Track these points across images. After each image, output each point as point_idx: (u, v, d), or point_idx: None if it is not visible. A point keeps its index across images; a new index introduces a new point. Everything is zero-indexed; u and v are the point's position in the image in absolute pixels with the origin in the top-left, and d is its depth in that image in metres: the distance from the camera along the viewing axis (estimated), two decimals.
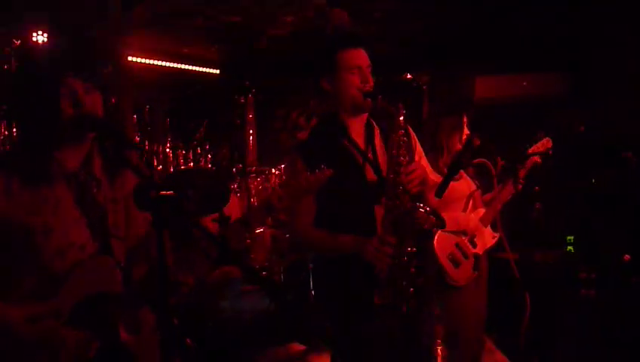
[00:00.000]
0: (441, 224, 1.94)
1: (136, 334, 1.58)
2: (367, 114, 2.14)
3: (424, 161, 2.19)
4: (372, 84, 2.07)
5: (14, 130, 3.58)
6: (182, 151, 6.08)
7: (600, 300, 3.45)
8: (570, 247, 4.29)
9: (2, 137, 3.62)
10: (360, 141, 2.10)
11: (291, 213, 2.11)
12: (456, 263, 2.88)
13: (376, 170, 2.05)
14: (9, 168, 1.50)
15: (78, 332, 1.46)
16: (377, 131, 2.15)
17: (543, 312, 3.41)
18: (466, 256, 2.92)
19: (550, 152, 3.18)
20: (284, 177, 4.84)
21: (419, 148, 2.24)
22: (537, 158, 3.14)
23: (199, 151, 6.19)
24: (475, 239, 2.96)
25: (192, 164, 6.07)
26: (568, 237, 4.31)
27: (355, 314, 2.00)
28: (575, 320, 3.51)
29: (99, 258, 1.53)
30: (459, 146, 2.97)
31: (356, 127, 2.12)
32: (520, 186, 3.02)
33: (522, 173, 3.07)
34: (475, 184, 3.11)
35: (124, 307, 1.54)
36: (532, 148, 3.15)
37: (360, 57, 2.08)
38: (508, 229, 2.97)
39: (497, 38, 4.83)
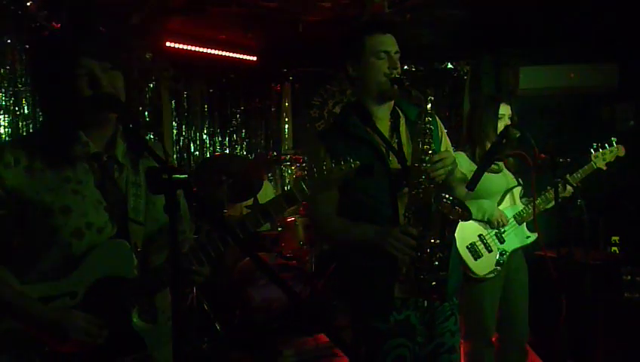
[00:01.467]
0: (467, 215, 1.84)
1: (152, 322, 1.57)
2: (393, 101, 2.07)
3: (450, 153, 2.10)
4: (400, 70, 1.99)
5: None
6: (218, 138, 6.14)
7: None
8: (614, 248, 4.09)
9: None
10: (385, 129, 2.03)
11: (313, 201, 2.06)
12: (476, 255, 2.78)
13: (401, 159, 1.98)
14: (33, 147, 1.52)
15: (89, 316, 1.46)
16: (403, 120, 2.07)
17: (582, 315, 3.26)
18: (489, 250, 2.81)
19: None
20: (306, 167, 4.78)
21: (445, 139, 2.15)
22: (602, 165, 2.96)
23: (235, 137, 6.24)
24: (505, 234, 2.84)
25: (227, 150, 6.12)
26: (613, 238, 4.11)
27: (375, 307, 1.94)
28: (617, 324, 3.35)
29: (115, 241, 1.53)
30: (494, 138, 2.84)
31: (381, 115, 2.06)
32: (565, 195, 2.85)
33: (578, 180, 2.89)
34: (517, 181, 2.98)
35: (139, 293, 1.52)
36: (597, 153, 2.97)
37: (388, 43, 2.00)
38: (546, 226, 2.83)
39: (543, 26, 4.62)
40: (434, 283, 1.85)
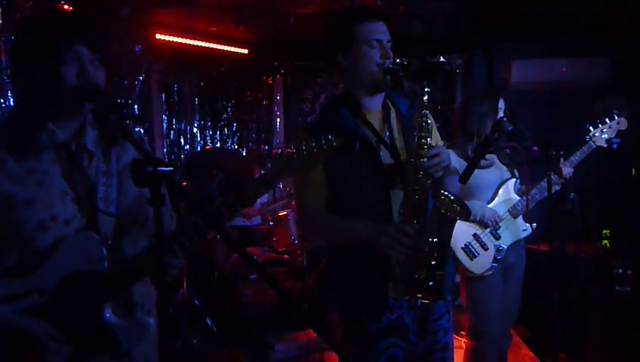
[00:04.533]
0: (466, 213, 1.79)
1: (128, 318, 1.51)
2: (384, 93, 1.98)
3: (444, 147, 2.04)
4: (392, 60, 1.88)
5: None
6: (209, 131, 6.08)
7: (635, 297, 3.29)
8: (605, 241, 4.10)
9: None
10: (376, 122, 1.94)
11: (300, 198, 1.99)
12: (471, 254, 2.77)
13: (393, 153, 1.90)
14: None
15: (42, 325, 1.40)
16: (394, 113, 1.99)
17: (574, 307, 3.27)
18: (485, 248, 2.79)
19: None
20: None
21: (436, 133, 2.08)
22: (602, 143, 2.82)
23: (226, 131, 6.18)
24: (500, 230, 2.83)
25: (218, 144, 6.07)
26: (604, 231, 4.12)
27: (368, 308, 1.88)
28: (608, 317, 3.37)
29: (83, 233, 1.46)
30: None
31: (372, 108, 1.96)
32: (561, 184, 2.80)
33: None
34: (511, 172, 2.95)
35: (111, 287, 1.46)
36: (597, 130, 2.84)
37: (380, 30, 1.90)
38: (540, 220, 2.82)
39: (535, 20, 4.60)
40: (431, 283, 1.76)
